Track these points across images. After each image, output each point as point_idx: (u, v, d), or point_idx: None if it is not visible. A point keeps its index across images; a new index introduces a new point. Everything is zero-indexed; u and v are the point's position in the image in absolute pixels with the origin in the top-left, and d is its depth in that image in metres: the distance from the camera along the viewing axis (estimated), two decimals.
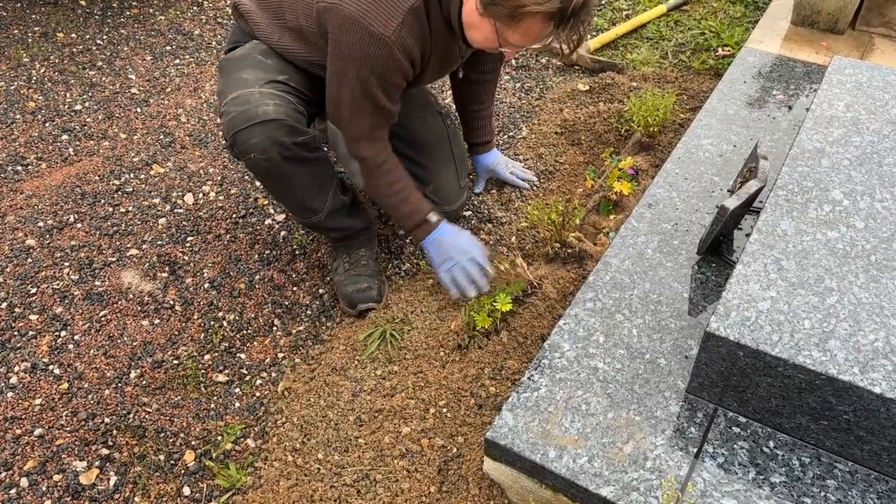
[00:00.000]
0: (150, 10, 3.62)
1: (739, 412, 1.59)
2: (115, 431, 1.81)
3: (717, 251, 1.96)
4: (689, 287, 1.87)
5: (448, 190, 2.25)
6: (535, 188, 2.51)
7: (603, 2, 3.56)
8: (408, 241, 2.34)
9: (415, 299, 2.12)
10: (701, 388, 1.61)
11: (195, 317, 2.11)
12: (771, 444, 1.55)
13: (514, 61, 3.15)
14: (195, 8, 3.66)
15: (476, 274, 2.01)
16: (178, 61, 3.26)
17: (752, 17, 3.37)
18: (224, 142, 1.90)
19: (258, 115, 1.78)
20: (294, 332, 2.09)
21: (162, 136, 2.80)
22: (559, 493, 1.54)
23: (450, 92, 2.83)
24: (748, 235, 2.00)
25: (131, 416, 1.85)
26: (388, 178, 1.97)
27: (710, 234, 1.88)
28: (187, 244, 2.34)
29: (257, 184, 2.55)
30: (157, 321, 2.10)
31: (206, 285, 2.20)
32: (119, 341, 2.03)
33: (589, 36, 3.22)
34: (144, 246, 2.33)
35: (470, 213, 2.43)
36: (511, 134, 2.75)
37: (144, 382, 1.93)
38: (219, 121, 2.87)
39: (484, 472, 1.66)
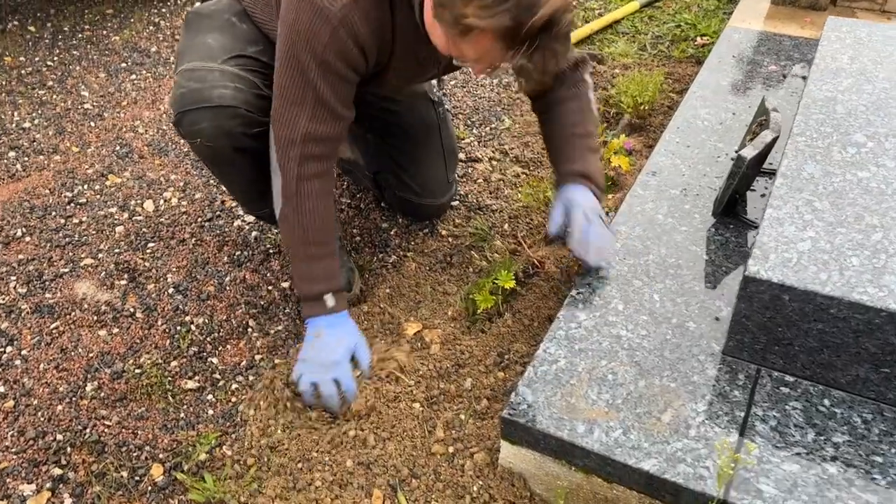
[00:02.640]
0: (104, 32, 3.45)
1: (786, 370, 1.41)
2: (69, 449, 1.56)
3: (732, 212, 1.80)
4: (709, 249, 1.70)
5: (433, 183, 2.06)
6: (520, 172, 2.34)
7: (575, 2, 3.48)
8: (393, 232, 2.15)
9: (403, 287, 1.92)
10: (740, 348, 1.43)
11: (159, 323, 1.88)
12: (826, 402, 1.36)
13: None
14: (151, 28, 3.49)
15: (331, 398, 1.55)
16: (134, 76, 3.07)
17: (727, 8, 3.31)
18: (171, 115, 1.69)
19: (211, 99, 1.57)
20: (272, 332, 1.86)
21: (118, 148, 2.60)
22: (592, 475, 1.33)
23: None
24: (763, 196, 1.86)
25: (88, 431, 1.60)
26: (312, 219, 1.53)
27: (726, 191, 1.72)
28: (148, 251, 2.12)
29: (223, 188, 2.35)
30: (115, 330, 1.86)
31: (171, 290, 1.98)
32: (73, 354, 1.79)
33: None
34: (100, 255, 2.10)
35: (457, 202, 2.25)
36: (493, 126, 2.60)
37: (103, 395, 1.69)
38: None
39: (501, 463, 1.44)
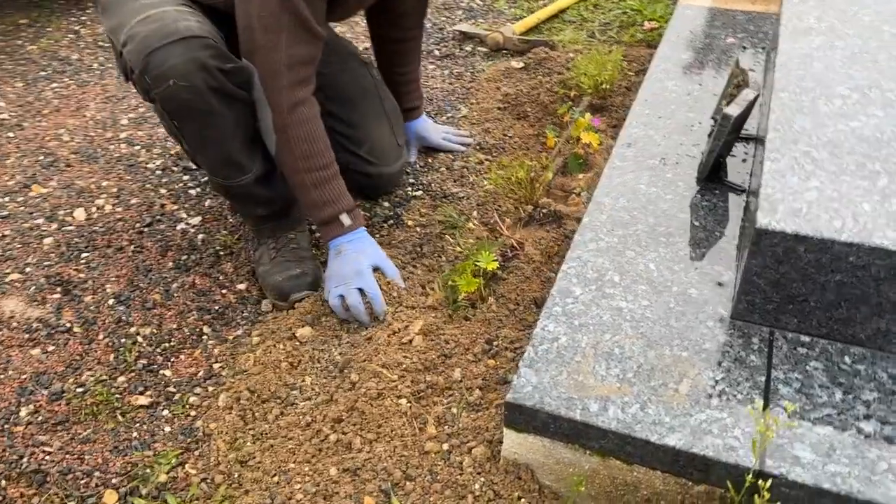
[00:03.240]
0: (19, 42, 3.20)
1: (800, 330, 1.32)
2: (3, 483, 1.34)
3: (716, 178, 1.71)
4: (698, 215, 1.61)
5: (384, 147, 1.96)
6: (483, 159, 2.23)
7: None
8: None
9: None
10: (751, 310, 1.33)
11: (101, 337, 1.67)
12: (847, 359, 1.27)
13: (437, 51, 2.92)
14: (71, 36, 3.26)
15: (358, 308, 1.59)
16: (55, 85, 2.84)
17: None
18: (129, 77, 1.50)
19: (179, 31, 1.43)
20: (231, 338, 1.68)
21: (42, 157, 2.36)
22: (609, 457, 1.20)
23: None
24: (744, 161, 1.79)
25: (26, 460, 1.39)
26: (310, 147, 1.57)
27: (711, 154, 1.64)
28: (82, 261, 1.91)
29: (166, 181, 2.15)
30: (51, 348, 1.64)
31: (111, 302, 1.77)
32: (2, 377, 1.57)
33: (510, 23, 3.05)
34: (28, 269, 1.88)
35: (421, 191, 2.11)
36: (450, 115, 2.48)
37: (41, 419, 1.47)
38: (107, 134, 2.47)
39: (504, 456, 1.30)
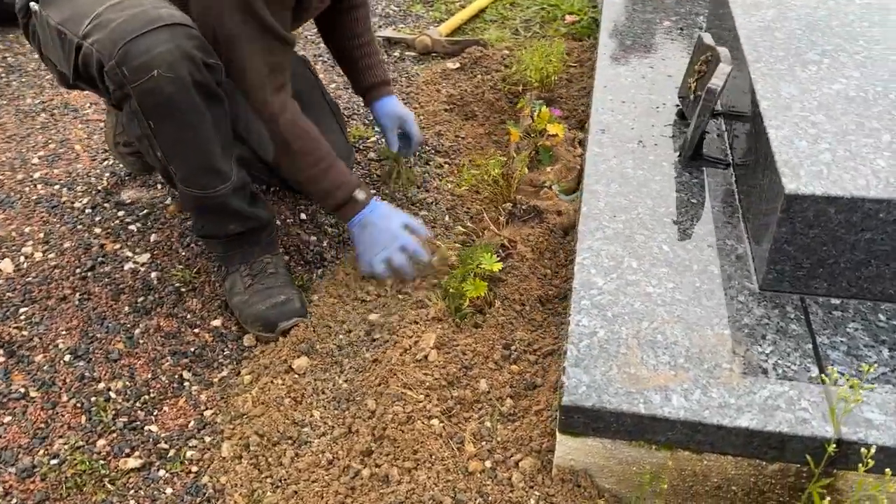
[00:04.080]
0: None
1: (830, 294, 1.31)
2: None
3: (698, 155, 1.70)
4: (693, 193, 1.59)
5: (338, 146, 1.84)
6: (443, 162, 2.15)
7: None
8: (325, 244, 1.86)
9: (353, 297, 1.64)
10: (780, 279, 1.31)
11: (64, 399, 1.47)
12: (882, 317, 1.27)
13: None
14: None
15: (405, 266, 1.65)
16: None
17: None
18: (80, 75, 1.36)
19: (162, 17, 1.29)
20: (216, 380, 1.51)
21: None
22: (678, 450, 1.14)
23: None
24: (719, 136, 1.79)
25: None
26: (305, 143, 1.58)
27: (697, 129, 1.62)
28: (21, 317, 1.68)
29: (99, 219, 1.93)
30: (7, 419, 1.43)
31: (67, 358, 1.57)
32: None
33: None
34: None
35: (386, 200, 2.00)
36: None
37: (14, 501, 1.27)
38: (18, 176, 2.22)
39: (558, 464, 1.21)
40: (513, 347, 1.46)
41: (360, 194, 1.65)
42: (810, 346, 1.22)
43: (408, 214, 1.74)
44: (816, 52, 1.63)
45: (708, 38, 1.78)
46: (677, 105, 1.91)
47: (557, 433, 1.19)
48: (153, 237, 1.91)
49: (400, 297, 1.64)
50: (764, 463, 1.12)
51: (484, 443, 1.29)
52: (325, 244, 1.87)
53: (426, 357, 1.42)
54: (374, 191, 1.97)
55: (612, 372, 1.18)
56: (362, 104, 2.09)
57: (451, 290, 1.56)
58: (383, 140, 2.07)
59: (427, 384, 1.36)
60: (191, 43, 1.32)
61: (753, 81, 1.54)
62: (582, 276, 1.37)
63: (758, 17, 1.81)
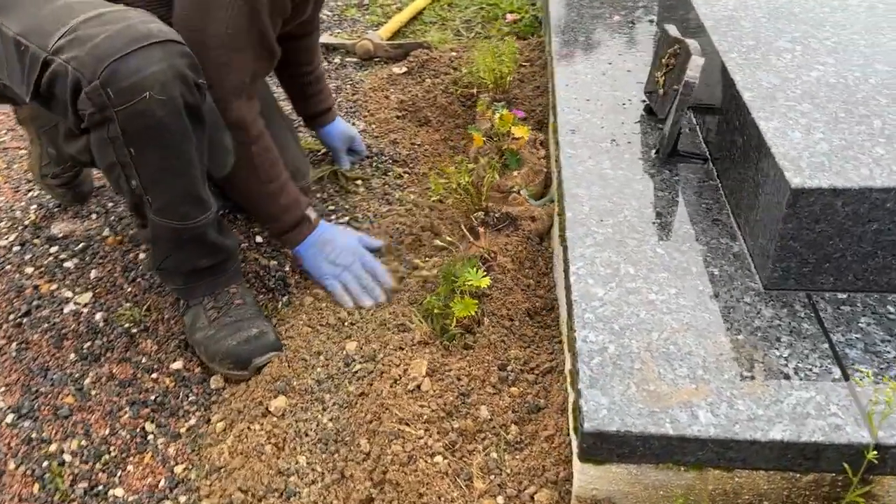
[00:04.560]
0: None
1: (836, 288, 1.26)
2: None
3: (675, 151, 1.65)
4: (676, 191, 1.53)
5: (298, 157, 1.83)
6: (401, 172, 2.05)
7: (367, 0, 3.23)
8: (287, 269, 1.72)
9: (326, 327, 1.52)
10: (785, 277, 1.25)
11: (11, 466, 1.30)
12: (891, 308, 1.24)
13: None
14: None
15: (369, 281, 1.61)
16: None
17: None
18: (41, 95, 1.21)
19: (152, 33, 1.17)
20: (184, 430, 1.37)
21: None
22: (708, 469, 1.07)
23: None
24: (691, 130, 1.74)
25: None
26: (268, 157, 1.50)
27: (675, 124, 1.57)
28: None
29: (29, 257, 1.74)
30: None
31: (10, 418, 1.39)
32: None
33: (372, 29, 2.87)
34: None
35: (347, 217, 1.88)
36: None
37: None
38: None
39: (578, 494, 1.12)
40: (509, 368, 1.36)
41: (311, 213, 1.61)
42: (826, 345, 1.17)
43: (356, 232, 1.73)
44: (786, 40, 1.60)
45: (674, 31, 1.73)
46: (643, 101, 1.86)
47: (576, 461, 1.10)
48: (93, 273, 1.74)
49: (376, 320, 1.52)
50: (798, 475, 1.06)
51: (493, 476, 1.19)
52: (286, 268, 1.73)
53: (419, 386, 1.31)
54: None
55: (630, 391, 1.10)
56: None
57: (435, 310, 1.45)
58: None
59: (425, 417, 1.25)
60: (184, 62, 1.20)
61: (731, 72, 1.49)
62: (580, 287, 1.29)
63: (720, 7, 1.77)
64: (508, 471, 1.19)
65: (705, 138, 1.69)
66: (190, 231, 1.37)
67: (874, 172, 1.18)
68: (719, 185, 1.54)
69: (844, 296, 1.26)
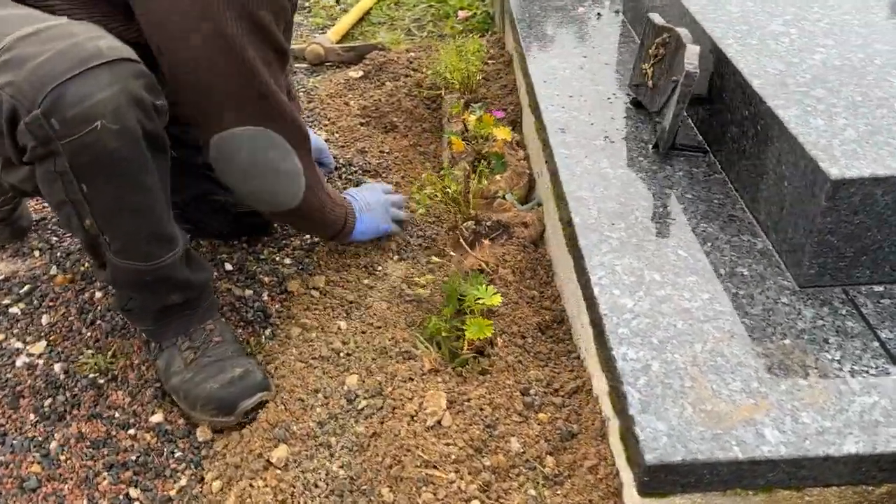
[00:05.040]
0: None
1: (872, 281, 1.20)
2: None
3: (672, 144, 1.57)
4: (684, 187, 1.45)
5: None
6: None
7: (309, 3, 3.07)
8: (264, 297, 1.57)
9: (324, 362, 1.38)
10: (822, 273, 1.19)
11: None
12: None
13: None
14: None
15: (400, 199, 1.74)
16: None
17: None
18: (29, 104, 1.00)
19: (102, 52, 1.00)
20: (174, 492, 1.21)
21: None
22: (778, 490, 0.98)
23: None
24: (682, 122, 1.66)
25: None
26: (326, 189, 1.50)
27: (676, 117, 1.49)
28: None
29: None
30: None
31: None
32: None
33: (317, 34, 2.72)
34: None
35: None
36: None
37: None
38: None
39: None
40: (531, 391, 1.25)
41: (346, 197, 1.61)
42: (877, 343, 1.10)
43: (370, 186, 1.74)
44: (779, 23, 1.54)
45: (659, 19, 1.65)
46: (628, 94, 1.78)
47: (633, 496, 1.00)
48: (45, 319, 1.54)
49: (375, 349, 1.39)
50: (871, 488, 0.99)
51: None
52: (264, 297, 1.58)
53: (440, 422, 1.19)
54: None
55: (687, 412, 1.00)
56: None
57: (442, 332, 1.33)
58: None
59: (453, 456, 1.13)
60: (139, 83, 1.03)
61: (732, 60, 1.42)
62: (607, 300, 1.19)
63: None
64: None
65: (700, 129, 1.62)
66: (155, 272, 1.20)
67: None
68: (726, 178, 1.47)
69: (881, 288, 1.20)
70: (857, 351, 1.09)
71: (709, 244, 1.30)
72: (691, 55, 1.46)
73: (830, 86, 1.31)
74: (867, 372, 1.05)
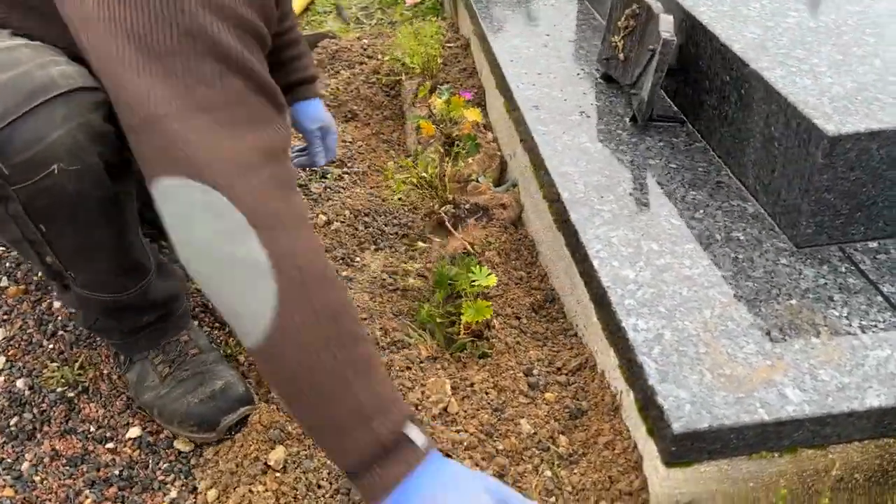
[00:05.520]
0: None
1: (867, 237, 1.21)
2: None
3: (649, 116, 1.56)
4: (666, 156, 1.44)
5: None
6: (340, 173, 1.84)
7: None
8: None
9: None
10: (819, 231, 1.18)
11: None
12: None
13: None
14: None
15: None
16: None
17: None
18: None
19: (53, 83, 0.87)
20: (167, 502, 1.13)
21: None
22: (801, 450, 0.97)
23: None
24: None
25: None
26: (327, 300, 0.80)
27: (654, 87, 1.47)
28: None
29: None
30: None
31: None
32: None
33: None
34: None
35: None
36: None
37: None
38: None
39: (658, 503, 1.00)
40: (534, 372, 1.22)
41: (414, 433, 0.80)
42: (880, 298, 1.10)
43: (492, 479, 0.85)
44: None
45: None
46: (597, 69, 1.76)
47: (658, 467, 0.97)
48: (0, 333, 1.43)
49: None
50: (892, 441, 0.98)
51: (556, 499, 1.04)
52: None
53: (446, 409, 1.14)
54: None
55: (706, 379, 0.98)
56: None
57: (436, 318, 1.28)
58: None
59: (465, 443, 1.08)
60: (98, 115, 0.90)
61: (708, 27, 1.41)
62: (608, 272, 1.16)
63: None
64: (570, 488, 1.05)
65: (675, 101, 1.61)
66: (125, 301, 1.11)
67: None
68: (707, 146, 1.46)
69: (875, 244, 1.20)
70: (863, 306, 1.08)
71: (700, 211, 1.28)
72: (666, 24, 1.45)
73: (809, 47, 1.31)
74: (876, 326, 1.05)
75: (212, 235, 0.76)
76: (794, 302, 1.10)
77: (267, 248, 0.75)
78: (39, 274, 1.54)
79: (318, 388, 0.78)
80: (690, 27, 1.48)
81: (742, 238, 1.22)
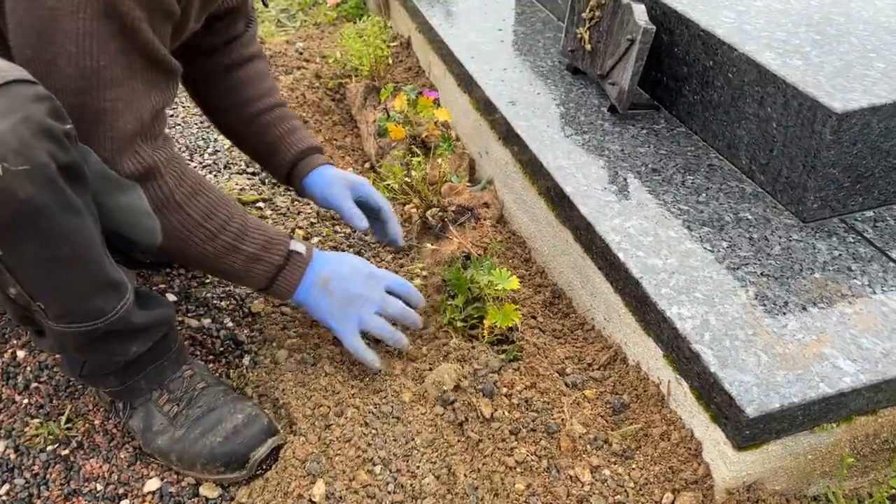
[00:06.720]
0: None
1: (863, 207, 1.27)
2: None
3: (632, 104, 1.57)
4: (654, 143, 1.46)
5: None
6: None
7: None
8: (229, 323, 1.40)
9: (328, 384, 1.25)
10: (823, 205, 1.23)
11: None
12: None
13: None
14: None
15: (401, 310, 1.21)
16: None
17: None
18: None
19: None
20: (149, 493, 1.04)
21: None
22: (856, 418, 1.00)
23: None
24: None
25: None
26: (204, 200, 1.08)
27: (635, 76, 1.48)
28: None
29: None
30: None
31: None
32: None
33: None
34: None
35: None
36: (214, 148, 1.91)
37: None
38: None
39: (725, 488, 1.01)
40: (568, 371, 1.20)
41: (297, 245, 1.15)
42: (892, 263, 1.16)
43: (365, 261, 1.24)
44: None
45: None
46: (560, 62, 1.76)
47: (727, 452, 0.98)
48: None
49: (381, 351, 1.28)
50: None
51: (619, 496, 1.03)
52: (228, 323, 1.40)
53: (493, 416, 1.10)
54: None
55: (763, 360, 1.00)
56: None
57: (457, 322, 1.24)
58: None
59: (524, 451, 1.05)
60: (42, 108, 0.82)
61: (684, 14, 1.44)
62: (635, 262, 1.16)
63: None
64: (631, 484, 1.04)
65: (645, 89, 1.64)
66: (106, 328, 1.00)
67: (893, 85, 1.18)
68: (688, 130, 1.49)
69: (871, 213, 1.26)
70: (880, 273, 1.13)
71: (703, 195, 1.31)
72: (640, 12, 1.47)
73: (787, 28, 1.36)
74: (893, 293, 1.10)
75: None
76: (818, 276, 1.13)
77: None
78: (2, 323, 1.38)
79: (213, 261, 1.10)
80: (661, 14, 1.50)
81: (751, 217, 1.25)
